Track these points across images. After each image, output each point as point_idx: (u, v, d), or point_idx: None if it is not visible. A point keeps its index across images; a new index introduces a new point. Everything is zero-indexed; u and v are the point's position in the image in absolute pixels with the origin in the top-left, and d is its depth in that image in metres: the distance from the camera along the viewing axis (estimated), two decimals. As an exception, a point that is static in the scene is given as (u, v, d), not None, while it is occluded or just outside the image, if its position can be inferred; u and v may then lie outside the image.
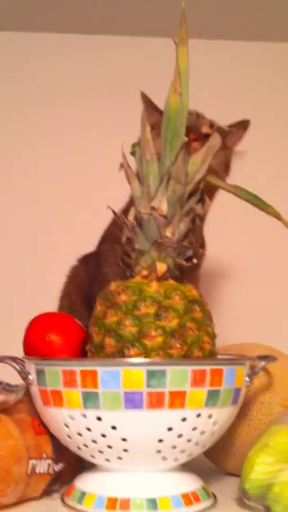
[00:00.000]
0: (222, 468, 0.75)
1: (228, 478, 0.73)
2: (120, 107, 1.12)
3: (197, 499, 0.61)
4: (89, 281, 0.91)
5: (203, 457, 0.74)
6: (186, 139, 0.64)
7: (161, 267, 0.65)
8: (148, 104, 0.87)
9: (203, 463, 0.74)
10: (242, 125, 0.91)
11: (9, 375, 0.67)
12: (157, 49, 1.09)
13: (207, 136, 0.85)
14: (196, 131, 0.86)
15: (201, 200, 0.69)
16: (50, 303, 0.89)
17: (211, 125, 0.88)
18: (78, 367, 0.56)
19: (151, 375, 0.55)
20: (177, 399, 0.56)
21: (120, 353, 0.60)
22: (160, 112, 0.84)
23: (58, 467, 0.64)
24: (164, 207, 0.65)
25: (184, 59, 0.67)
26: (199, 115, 0.89)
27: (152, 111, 0.86)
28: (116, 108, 1.15)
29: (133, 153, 0.69)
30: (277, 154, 1.19)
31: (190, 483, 0.62)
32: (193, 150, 0.77)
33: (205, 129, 0.87)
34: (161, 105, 0.69)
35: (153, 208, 0.65)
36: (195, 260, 0.68)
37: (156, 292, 0.62)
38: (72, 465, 0.67)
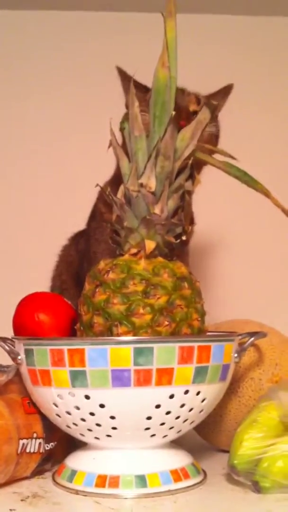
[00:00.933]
0: (213, 444, 0.75)
1: (219, 454, 0.73)
2: (109, 83, 1.10)
3: (186, 476, 0.61)
4: (79, 259, 0.90)
5: (194, 433, 0.74)
6: (173, 113, 0.63)
7: (150, 245, 0.64)
8: (126, 79, 0.85)
9: (194, 440, 0.74)
10: (225, 90, 0.89)
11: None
12: (144, 24, 1.08)
13: (195, 113, 0.83)
14: (183, 110, 0.83)
15: (190, 177, 0.68)
16: (40, 283, 0.89)
17: (198, 100, 0.86)
18: (65, 346, 0.56)
19: (138, 352, 0.55)
20: (165, 376, 0.56)
21: (109, 332, 0.60)
22: (139, 87, 0.82)
23: (49, 446, 0.64)
24: (152, 184, 0.64)
25: (172, 32, 0.65)
26: (184, 91, 0.87)
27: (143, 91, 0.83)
28: (105, 85, 1.13)
29: (122, 130, 0.68)
30: (262, 129, 1.18)
31: (179, 459, 0.62)
32: None
33: (192, 107, 0.85)
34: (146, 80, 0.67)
35: (141, 185, 0.64)
36: (184, 237, 0.67)
37: (144, 269, 0.62)
38: (63, 444, 0.67)
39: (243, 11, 1.18)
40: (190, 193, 0.70)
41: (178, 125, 0.74)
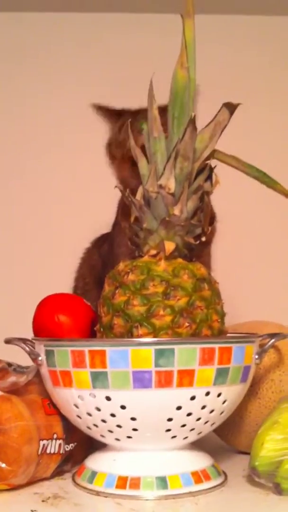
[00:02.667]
0: (232, 446, 0.75)
1: (239, 456, 0.73)
2: (126, 87, 1.10)
3: (207, 477, 0.61)
4: (102, 263, 0.90)
5: (213, 435, 0.74)
6: (193, 114, 0.63)
7: (169, 246, 0.64)
8: (106, 111, 0.87)
9: (213, 441, 0.74)
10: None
11: (19, 357, 0.67)
12: (162, 26, 1.08)
13: None
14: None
15: (209, 177, 0.68)
16: (61, 284, 0.89)
17: None
18: (86, 347, 0.56)
19: (159, 354, 0.55)
20: (186, 378, 0.56)
21: (129, 333, 0.60)
22: (120, 114, 0.85)
23: (69, 447, 0.64)
24: (171, 185, 0.64)
25: (191, 33, 0.65)
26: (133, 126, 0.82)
27: (115, 117, 0.86)
28: (121, 88, 1.13)
29: (140, 131, 0.69)
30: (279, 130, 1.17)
31: (200, 461, 0.62)
32: None
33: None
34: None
35: (160, 187, 0.64)
36: (203, 238, 0.67)
37: (164, 271, 0.62)
38: (82, 445, 0.67)
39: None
40: (208, 193, 0.70)
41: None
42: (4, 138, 1.17)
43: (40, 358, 0.61)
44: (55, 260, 1.04)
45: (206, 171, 0.67)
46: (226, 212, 0.87)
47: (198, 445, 0.64)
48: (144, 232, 0.65)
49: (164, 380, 0.55)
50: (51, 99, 1.17)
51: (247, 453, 0.71)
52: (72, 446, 0.65)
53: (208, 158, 0.66)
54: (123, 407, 0.56)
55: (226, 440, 0.75)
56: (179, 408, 0.56)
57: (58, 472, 0.64)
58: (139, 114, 0.84)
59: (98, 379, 0.56)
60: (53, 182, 1.15)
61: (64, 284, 0.92)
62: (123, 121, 0.85)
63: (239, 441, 0.72)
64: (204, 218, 0.67)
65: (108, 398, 0.56)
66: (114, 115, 0.86)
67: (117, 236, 0.87)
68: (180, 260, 0.64)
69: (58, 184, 1.15)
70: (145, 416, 0.57)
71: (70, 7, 1.15)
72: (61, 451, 0.63)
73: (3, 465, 0.57)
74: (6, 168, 1.16)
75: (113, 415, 0.57)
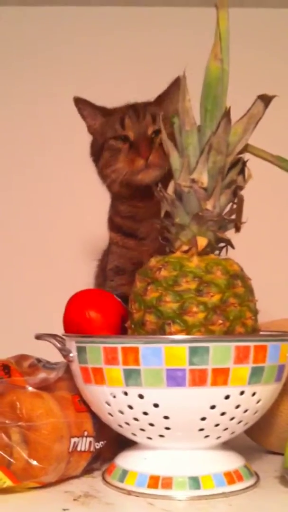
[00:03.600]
0: (263, 446, 0.73)
1: (269, 456, 0.72)
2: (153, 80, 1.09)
3: (240, 478, 0.59)
4: (103, 276, 0.88)
5: (242, 434, 0.73)
6: (228, 107, 0.62)
7: (202, 242, 0.63)
8: (88, 106, 0.83)
9: (242, 441, 0.73)
10: (176, 83, 0.80)
11: (47, 353, 0.67)
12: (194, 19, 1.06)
13: (155, 133, 0.78)
14: (141, 137, 0.78)
15: (242, 172, 0.66)
16: (87, 281, 0.88)
17: (154, 118, 0.79)
18: (119, 344, 0.55)
19: (193, 352, 0.54)
20: (220, 376, 0.54)
21: (161, 330, 0.59)
22: (101, 110, 0.83)
23: (99, 445, 0.63)
24: (204, 179, 0.62)
25: (225, 23, 0.64)
26: (139, 113, 0.80)
27: (95, 112, 0.83)
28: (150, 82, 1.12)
29: (171, 125, 0.67)
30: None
31: (232, 461, 0.61)
32: (135, 163, 0.76)
33: (150, 129, 0.79)
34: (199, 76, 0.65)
35: (193, 181, 0.63)
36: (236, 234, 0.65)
37: (197, 267, 0.61)
38: (112, 443, 0.66)
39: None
40: (241, 188, 0.68)
41: (140, 155, 0.75)
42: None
43: (71, 355, 0.60)
44: (83, 255, 1.03)
45: (239, 165, 0.65)
46: (253, 206, 0.85)
47: (228, 445, 0.62)
48: (176, 227, 0.64)
49: (198, 379, 0.54)
50: (52, 105, 1.15)
51: (278, 454, 0.70)
52: (102, 444, 0.64)
53: (241, 152, 0.65)
54: (156, 405, 0.55)
55: (256, 440, 0.74)
56: (213, 407, 0.55)
57: (88, 470, 0.64)
58: (115, 113, 0.82)
59: (131, 376, 0.55)
60: (76, 180, 1.13)
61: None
62: (107, 118, 0.82)
63: (270, 441, 0.71)
64: (237, 213, 0.65)
65: (141, 396, 0.55)
66: (96, 111, 0.83)
67: (110, 253, 0.85)
68: (212, 256, 0.63)
69: (82, 183, 1.13)
70: (178, 415, 0.55)
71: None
72: (91, 449, 0.62)
73: (34, 462, 0.56)
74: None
75: (145, 413, 0.56)
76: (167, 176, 0.77)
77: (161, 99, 0.82)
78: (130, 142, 0.78)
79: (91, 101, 0.84)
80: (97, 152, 0.83)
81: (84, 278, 0.85)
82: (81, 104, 0.83)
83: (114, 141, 0.80)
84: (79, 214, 1.12)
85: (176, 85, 0.79)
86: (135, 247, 0.80)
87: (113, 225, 0.84)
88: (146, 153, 0.76)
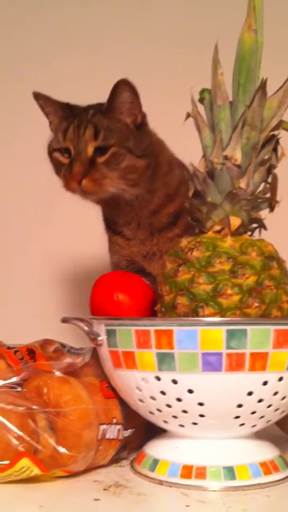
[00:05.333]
0: (294, 436, 0.71)
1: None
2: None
3: (276, 468, 0.57)
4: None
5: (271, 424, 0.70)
6: (264, 78, 0.58)
7: (235, 221, 0.60)
8: (49, 102, 0.74)
9: (271, 432, 0.70)
10: (115, 89, 0.71)
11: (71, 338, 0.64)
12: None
13: (100, 152, 0.69)
14: (78, 154, 0.69)
15: (275, 150, 0.63)
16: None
17: (96, 131, 0.69)
18: (152, 327, 0.53)
19: (231, 335, 0.51)
20: (259, 361, 0.52)
21: (194, 313, 0.56)
22: (58, 104, 0.74)
23: (127, 433, 0.61)
24: (238, 156, 0.60)
25: (260, -7, 0.61)
26: (81, 125, 0.70)
27: (56, 106, 0.74)
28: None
29: (201, 100, 0.64)
30: None
31: (267, 451, 0.58)
32: (70, 184, 0.68)
33: (91, 148, 0.69)
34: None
35: (226, 158, 0.60)
36: (270, 214, 0.63)
37: (231, 247, 0.58)
38: (139, 431, 0.64)
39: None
40: (274, 167, 0.65)
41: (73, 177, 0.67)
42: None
43: (100, 338, 0.57)
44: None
45: (272, 142, 0.62)
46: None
47: (260, 435, 0.60)
48: (208, 206, 0.61)
49: (236, 363, 0.51)
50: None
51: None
52: (130, 432, 0.61)
53: (275, 128, 0.62)
54: (190, 391, 0.53)
55: (286, 431, 0.71)
56: (250, 393, 0.53)
57: (115, 459, 0.61)
58: (85, 111, 0.73)
59: (164, 361, 0.52)
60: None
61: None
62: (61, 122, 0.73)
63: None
64: (272, 192, 0.62)
65: (174, 381, 0.53)
66: (58, 108, 0.74)
67: (108, 249, 0.80)
68: (246, 236, 0.60)
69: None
70: (213, 401, 0.53)
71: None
72: (120, 437, 0.60)
73: (63, 450, 0.54)
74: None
75: (179, 399, 0.53)
76: (155, 167, 0.73)
77: (111, 108, 0.71)
78: (70, 158, 0.70)
79: (51, 97, 0.74)
80: (49, 156, 0.75)
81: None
82: (41, 99, 0.74)
83: (58, 153, 0.72)
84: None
85: (125, 91, 0.70)
86: (125, 246, 0.76)
87: (104, 221, 0.80)
88: (79, 176, 0.68)
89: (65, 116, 0.73)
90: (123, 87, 0.70)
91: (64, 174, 0.70)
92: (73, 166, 0.68)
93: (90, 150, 0.69)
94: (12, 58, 1.12)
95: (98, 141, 0.69)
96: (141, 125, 0.74)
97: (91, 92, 0.72)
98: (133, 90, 0.71)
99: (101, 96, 0.73)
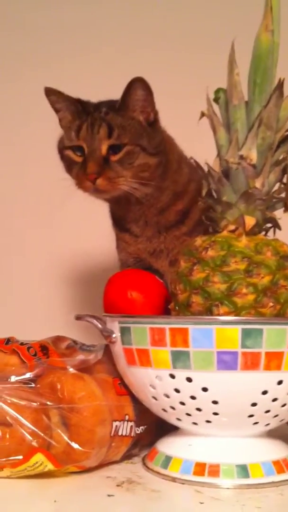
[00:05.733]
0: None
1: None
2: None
3: (289, 467, 0.57)
4: None
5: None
6: (281, 78, 0.59)
7: (250, 221, 0.60)
8: (59, 96, 0.73)
9: (283, 431, 0.70)
10: (130, 86, 0.70)
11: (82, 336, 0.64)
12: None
13: (113, 150, 0.69)
14: (93, 155, 0.69)
15: (289, 150, 0.63)
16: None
17: (110, 130, 0.69)
18: (167, 325, 0.53)
19: (246, 334, 0.51)
20: (274, 361, 0.52)
21: (208, 312, 0.56)
22: (70, 100, 0.73)
23: (139, 430, 0.61)
24: (253, 156, 0.60)
25: (277, -6, 0.61)
26: (95, 123, 0.69)
27: (68, 102, 0.73)
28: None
29: (216, 100, 0.64)
30: None
31: (280, 450, 0.59)
32: (83, 183, 0.68)
33: (105, 146, 0.69)
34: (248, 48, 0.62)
35: (241, 157, 0.60)
36: (285, 214, 0.63)
37: (246, 247, 0.58)
38: (151, 428, 0.64)
39: None
40: (288, 166, 0.65)
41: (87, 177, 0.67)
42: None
43: (114, 336, 0.58)
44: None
45: (287, 143, 0.62)
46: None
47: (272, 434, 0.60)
48: (223, 205, 0.61)
49: (251, 362, 0.52)
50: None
51: None
52: (142, 429, 0.62)
53: (291, 128, 0.62)
54: (204, 389, 0.53)
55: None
56: (264, 392, 0.53)
57: (127, 456, 0.61)
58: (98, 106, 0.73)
59: (179, 359, 0.53)
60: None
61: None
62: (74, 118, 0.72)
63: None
64: (286, 192, 0.63)
65: (189, 380, 0.53)
66: (69, 103, 0.73)
67: (116, 246, 0.80)
68: (261, 236, 0.61)
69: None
70: (228, 400, 0.53)
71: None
72: (132, 434, 0.60)
73: (76, 445, 0.54)
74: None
75: (193, 397, 0.54)
76: (166, 165, 0.73)
77: (125, 106, 0.71)
78: (84, 156, 0.70)
79: (63, 93, 0.73)
80: (60, 154, 0.74)
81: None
82: (53, 95, 0.73)
83: (70, 151, 0.71)
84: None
85: (139, 88, 0.70)
86: (132, 243, 0.76)
87: (112, 218, 0.80)
88: (93, 175, 0.67)
89: (77, 112, 0.73)
90: (137, 84, 0.70)
91: (77, 173, 0.70)
92: (87, 165, 0.68)
93: (104, 148, 0.69)
94: (13, 58, 1.12)
95: (112, 139, 0.69)
96: (154, 123, 0.74)
97: (101, 92, 0.73)
98: (147, 88, 0.71)
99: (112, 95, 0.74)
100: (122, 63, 1.04)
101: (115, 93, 0.73)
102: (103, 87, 0.70)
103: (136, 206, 0.73)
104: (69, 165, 0.73)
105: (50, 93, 0.73)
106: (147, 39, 1.10)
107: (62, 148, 0.74)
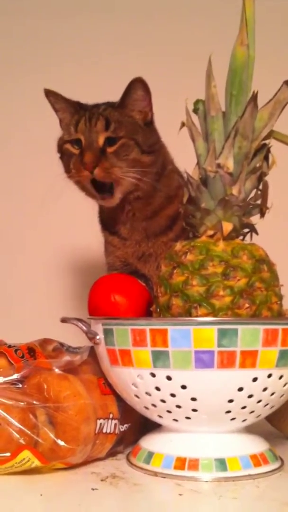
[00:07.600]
0: (284, 432, 0.73)
1: (290, 442, 0.72)
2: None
3: (266, 461, 0.60)
4: None
5: (262, 420, 0.73)
6: (255, 91, 0.62)
7: (227, 226, 0.63)
8: (59, 99, 0.77)
9: (262, 428, 0.73)
10: (131, 86, 0.75)
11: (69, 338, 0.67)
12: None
13: (109, 142, 0.73)
14: (90, 147, 0.72)
15: (266, 158, 0.66)
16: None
17: (107, 122, 0.73)
18: (147, 326, 0.56)
19: (222, 334, 0.54)
20: (249, 359, 0.55)
21: (188, 314, 0.59)
22: (69, 101, 0.77)
23: (123, 427, 0.64)
24: (230, 164, 0.63)
25: (251, 9, 0.64)
26: (92, 116, 0.74)
27: (67, 103, 0.77)
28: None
29: (195, 111, 0.67)
30: None
31: (257, 444, 0.61)
32: (81, 173, 0.71)
33: (102, 138, 0.73)
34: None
35: (219, 166, 0.63)
36: (261, 219, 0.66)
37: (223, 251, 0.61)
38: (135, 427, 0.66)
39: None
40: (265, 174, 0.68)
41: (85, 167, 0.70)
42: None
43: (98, 337, 0.60)
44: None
45: (263, 151, 0.65)
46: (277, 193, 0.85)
47: (251, 430, 0.63)
48: (201, 212, 0.64)
49: (227, 361, 0.54)
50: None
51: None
52: (126, 427, 0.64)
53: (266, 137, 0.65)
54: (183, 387, 0.55)
55: (276, 426, 0.74)
56: (240, 389, 0.56)
57: (112, 453, 0.64)
58: (95, 108, 0.76)
59: (159, 358, 0.55)
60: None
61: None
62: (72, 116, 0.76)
63: (292, 427, 0.71)
64: (262, 198, 0.65)
65: (168, 378, 0.56)
66: (68, 105, 0.77)
67: (104, 249, 0.83)
68: (238, 240, 0.63)
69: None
70: (205, 396, 0.56)
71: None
72: (116, 431, 0.62)
73: (62, 443, 0.57)
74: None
75: (173, 395, 0.56)
76: (160, 166, 0.76)
77: (124, 104, 0.75)
78: (81, 148, 0.73)
79: (62, 94, 0.78)
80: (59, 152, 0.78)
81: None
82: (52, 96, 0.77)
83: (69, 145, 0.75)
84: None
85: (139, 89, 0.74)
86: (120, 246, 0.79)
87: (100, 221, 0.82)
88: (91, 165, 0.71)
89: (76, 112, 0.77)
90: (138, 85, 0.74)
91: (74, 163, 0.73)
92: (84, 156, 0.71)
93: (101, 140, 0.73)
94: (12, 58, 1.15)
95: (108, 132, 0.73)
96: (150, 124, 0.78)
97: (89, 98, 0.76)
98: (146, 89, 0.75)
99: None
100: (105, 74, 1.08)
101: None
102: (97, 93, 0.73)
103: (127, 206, 0.75)
104: (67, 159, 0.75)
105: (49, 94, 0.78)
106: (130, 50, 1.13)
107: (61, 144, 0.77)
